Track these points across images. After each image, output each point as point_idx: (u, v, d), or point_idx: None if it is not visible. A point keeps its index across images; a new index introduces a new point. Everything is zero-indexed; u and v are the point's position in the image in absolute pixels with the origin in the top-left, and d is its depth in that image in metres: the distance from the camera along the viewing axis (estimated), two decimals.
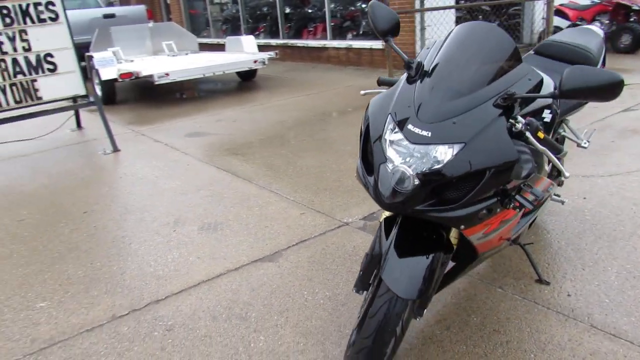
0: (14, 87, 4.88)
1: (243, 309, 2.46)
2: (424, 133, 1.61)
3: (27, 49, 4.90)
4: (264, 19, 13.16)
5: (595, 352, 2.00)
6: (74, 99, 5.43)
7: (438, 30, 8.51)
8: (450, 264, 2.02)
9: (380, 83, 2.07)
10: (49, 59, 5.03)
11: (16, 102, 4.92)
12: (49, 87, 5.07)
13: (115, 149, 5.39)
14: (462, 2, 9.63)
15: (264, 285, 2.65)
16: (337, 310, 2.40)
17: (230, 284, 2.69)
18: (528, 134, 1.59)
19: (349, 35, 10.71)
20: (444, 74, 1.71)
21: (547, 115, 1.81)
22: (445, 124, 1.61)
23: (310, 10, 11.67)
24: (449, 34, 1.86)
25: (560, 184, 2.92)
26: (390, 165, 1.64)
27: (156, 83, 7.30)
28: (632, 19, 9.00)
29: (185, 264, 2.92)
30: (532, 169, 1.67)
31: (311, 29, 11.62)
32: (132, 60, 8.85)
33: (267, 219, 3.42)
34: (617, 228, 2.92)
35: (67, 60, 5.13)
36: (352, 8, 10.60)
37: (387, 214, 1.91)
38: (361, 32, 10.40)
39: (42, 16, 4.93)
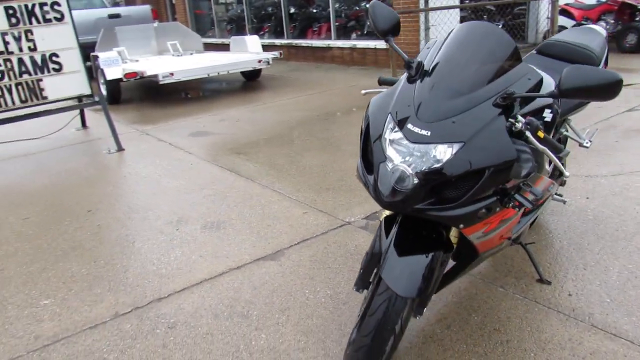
0: (19, 87, 4.91)
1: (245, 307, 2.47)
2: (424, 132, 1.61)
3: (33, 49, 4.93)
4: (268, 19, 13.19)
5: (596, 351, 2.01)
6: (79, 98, 5.47)
7: (442, 30, 8.50)
8: (451, 263, 2.03)
9: (381, 82, 2.08)
10: (54, 58, 5.06)
11: (22, 101, 4.96)
12: (54, 86, 5.10)
13: (120, 148, 5.42)
14: (467, 1, 9.61)
15: (266, 283, 2.66)
16: (338, 308, 2.41)
17: (232, 282, 2.70)
18: (528, 133, 1.60)
19: (353, 35, 10.72)
20: (443, 73, 1.72)
21: (547, 115, 1.81)
22: (444, 123, 1.61)
23: (314, 10, 11.68)
24: (449, 33, 1.87)
25: (562, 184, 2.92)
26: (389, 164, 1.65)
27: (161, 83, 7.34)
28: (637, 19, 8.96)
29: (187, 263, 2.94)
30: (532, 169, 1.67)
31: (316, 28, 11.64)
32: (137, 60, 8.89)
33: (270, 218, 3.43)
34: (620, 228, 2.92)
35: (72, 60, 5.17)
36: (357, 8, 10.61)
37: (387, 212, 1.92)
38: (365, 32, 10.40)
39: (48, 16, 4.97)
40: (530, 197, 1.69)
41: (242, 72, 9.09)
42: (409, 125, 1.65)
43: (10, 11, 4.76)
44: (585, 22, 9.08)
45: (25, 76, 4.93)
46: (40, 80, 5.02)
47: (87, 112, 6.94)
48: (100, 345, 2.28)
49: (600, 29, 2.85)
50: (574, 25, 8.55)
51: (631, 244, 2.74)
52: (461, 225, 1.68)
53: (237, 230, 3.29)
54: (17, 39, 4.83)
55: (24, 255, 3.19)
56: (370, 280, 1.85)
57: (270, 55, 8.49)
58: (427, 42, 8.53)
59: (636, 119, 4.96)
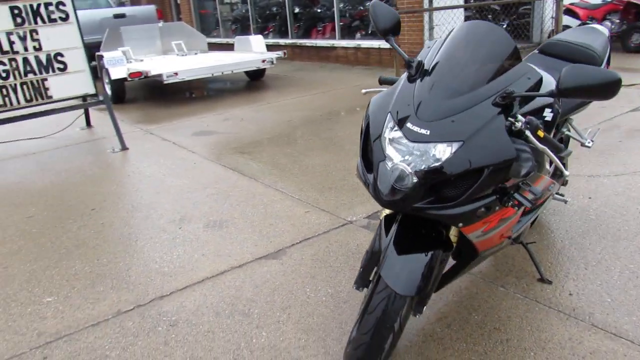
0: (24, 86, 4.95)
1: (246, 306, 2.48)
2: (423, 131, 1.62)
3: (38, 49, 4.96)
4: (273, 19, 13.21)
5: (596, 350, 2.01)
6: (84, 97, 5.49)
7: (446, 29, 8.48)
8: (452, 262, 2.04)
9: (382, 82, 2.09)
10: (59, 58, 5.09)
11: (27, 100, 4.99)
12: (59, 86, 5.13)
13: (124, 147, 5.44)
14: (472, 1, 9.60)
15: (267, 282, 2.68)
16: (339, 307, 2.42)
17: (234, 280, 2.71)
18: (528, 132, 1.60)
19: (358, 35, 10.72)
20: (443, 72, 1.72)
21: (548, 114, 1.81)
22: (444, 123, 1.62)
23: (319, 10, 11.69)
24: (450, 32, 1.87)
25: (564, 184, 2.92)
26: (389, 163, 1.66)
27: (165, 82, 7.36)
28: None
29: (190, 261, 2.95)
30: (532, 168, 1.67)
31: (320, 28, 11.64)
32: (141, 60, 8.93)
33: (272, 217, 3.44)
34: (622, 228, 2.92)
35: (77, 59, 5.19)
36: (361, 8, 10.61)
37: (387, 211, 1.92)
38: (370, 32, 10.40)
39: (53, 16, 5.00)
40: (530, 196, 1.69)
41: (246, 72, 9.10)
42: (409, 125, 1.65)
43: (16, 11, 4.79)
44: (590, 22, 9.05)
45: (30, 75, 4.97)
46: (45, 79, 5.05)
47: (92, 112, 6.98)
48: (102, 343, 2.30)
49: (603, 28, 2.84)
50: (579, 25, 8.52)
51: (633, 244, 2.74)
52: (460, 224, 1.69)
53: (239, 229, 3.30)
54: (22, 39, 4.87)
55: (27, 253, 3.21)
56: (370, 278, 1.86)
57: (274, 55, 8.50)
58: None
59: None
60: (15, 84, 4.89)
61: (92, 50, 6.66)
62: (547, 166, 2.14)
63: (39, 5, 4.90)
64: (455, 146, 1.58)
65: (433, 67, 1.75)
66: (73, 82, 5.22)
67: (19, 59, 4.88)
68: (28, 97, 4.99)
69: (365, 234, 3.11)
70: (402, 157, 1.63)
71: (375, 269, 1.81)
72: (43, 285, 2.82)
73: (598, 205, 3.21)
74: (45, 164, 5.14)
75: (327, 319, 2.33)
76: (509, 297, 2.38)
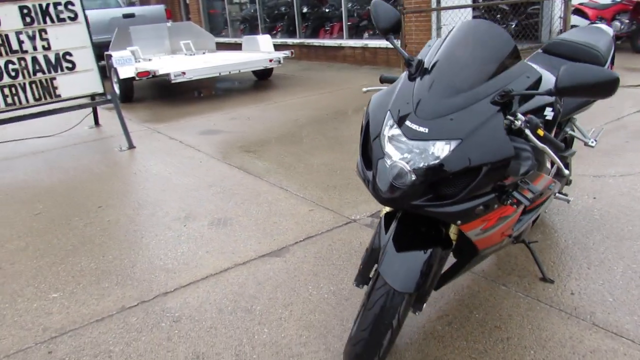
0: (33, 85, 5.01)
1: (248, 302, 2.50)
2: (422, 129, 1.63)
3: (47, 48, 5.02)
4: (281, 19, 13.24)
5: (596, 350, 2.01)
6: (92, 96, 5.55)
7: None
8: (453, 261, 2.04)
9: (382, 80, 2.10)
10: (67, 57, 5.15)
11: (35, 99, 5.05)
12: (68, 85, 5.19)
13: (131, 146, 5.49)
14: (480, 1, 9.56)
15: (270, 279, 2.69)
16: (341, 304, 2.43)
17: (237, 277, 2.74)
18: (527, 131, 1.60)
19: (365, 35, 10.72)
20: (443, 71, 1.73)
21: (549, 113, 1.81)
22: (442, 121, 1.63)
23: (327, 10, 11.71)
24: (450, 31, 1.88)
25: (568, 183, 2.91)
26: (388, 161, 1.67)
27: (173, 81, 7.41)
28: None
29: (194, 258, 2.98)
30: (531, 166, 1.67)
31: (328, 28, 11.66)
32: (150, 59, 8.99)
33: (276, 215, 3.46)
34: (626, 228, 2.91)
35: (85, 58, 5.25)
36: (369, 7, 10.59)
37: (387, 209, 1.94)
38: (377, 32, 10.39)
39: (62, 16, 5.05)
40: (529, 195, 1.70)
41: (253, 71, 9.15)
42: (408, 123, 1.67)
43: (25, 11, 4.85)
44: (599, 22, 8.99)
45: (39, 75, 5.03)
46: (54, 78, 5.11)
47: (100, 110, 7.04)
48: (107, 338, 2.33)
49: (608, 28, 2.84)
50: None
51: (637, 244, 2.73)
52: (459, 222, 1.70)
53: (243, 227, 3.32)
54: (32, 38, 4.93)
55: (34, 249, 3.25)
56: (370, 275, 1.87)
57: (281, 54, 8.53)
58: None
59: None
60: (24, 83, 4.95)
61: (101, 50, 6.72)
62: (548, 165, 2.14)
63: (48, 5, 4.96)
64: (453, 144, 1.59)
65: (433, 66, 1.76)
66: (81, 81, 5.27)
67: (28, 58, 4.94)
68: (37, 96, 5.05)
69: (368, 232, 3.12)
70: (401, 154, 1.64)
71: (375, 266, 1.83)
72: (49, 281, 2.86)
73: (602, 205, 3.20)
74: (53, 162, 5.19)
75: (328, 316, 2.35)
76: (510, 296, 2.39)
